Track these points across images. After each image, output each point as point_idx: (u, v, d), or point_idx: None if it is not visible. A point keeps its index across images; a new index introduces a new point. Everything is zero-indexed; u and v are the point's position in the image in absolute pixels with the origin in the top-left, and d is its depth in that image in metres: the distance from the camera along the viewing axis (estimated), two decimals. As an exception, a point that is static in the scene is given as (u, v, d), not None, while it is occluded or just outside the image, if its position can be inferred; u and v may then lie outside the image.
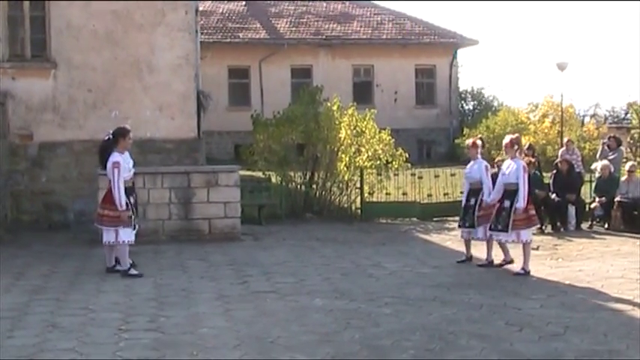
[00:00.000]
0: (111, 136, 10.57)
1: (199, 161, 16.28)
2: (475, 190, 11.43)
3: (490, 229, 11.02)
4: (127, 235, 10.45)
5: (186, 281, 10.12)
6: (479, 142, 11.66)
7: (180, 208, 13.89)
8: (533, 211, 10.98)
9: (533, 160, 16.58)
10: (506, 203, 10.75)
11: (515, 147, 11.06)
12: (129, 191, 10.52)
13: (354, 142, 17.98)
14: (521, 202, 10.57)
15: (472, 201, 11.42)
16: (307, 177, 18.02)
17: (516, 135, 11.94)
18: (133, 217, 10.50)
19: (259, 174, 18.40)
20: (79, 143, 15.78)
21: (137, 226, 10.79)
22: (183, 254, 12.29)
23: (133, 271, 10.43)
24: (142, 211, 13.68)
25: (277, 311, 8.41)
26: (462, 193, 12.99)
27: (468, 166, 11.73)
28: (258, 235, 14.48)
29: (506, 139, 11.22)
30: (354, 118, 18.04)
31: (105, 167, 10.54)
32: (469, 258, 11.61)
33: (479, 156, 11.59)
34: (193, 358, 6.66)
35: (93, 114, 15.85)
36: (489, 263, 11.30)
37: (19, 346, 6.99)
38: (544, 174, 17.32)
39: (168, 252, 12.26)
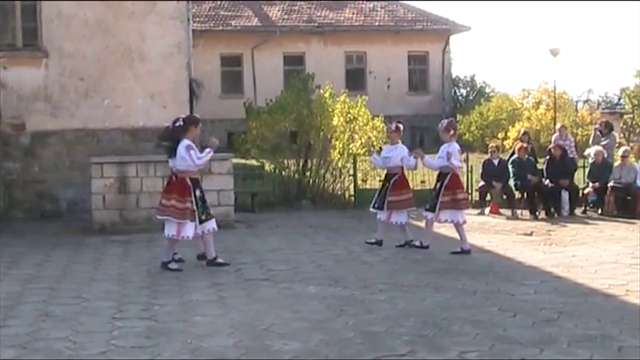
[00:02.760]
0: (181, 123, 10.13)
1: (192, 149, 16.20)
2: (391, 175, 11.64)
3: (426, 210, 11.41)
4: (189, 230, 9.93)
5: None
6: (401, 127, 11.86)
7: (173, 197, 13.80)
8: (461, 195, 11.40)
9: (526, 145, 16.62)
10: (438, 185, 11.21)
11: (451, 132, 11.33)
12: (195, 184, 10.14)
13: (347, 129, 17.96)
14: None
15: (386, 185, 11.63)
16: (300, 164, 17.99)
17: (451, 119, 12.32)
18: (197, 211, 9.97)
19: (252, 162, 18.37)
20: (70, 132, 15.73)
21: (210, 217, 10.21)
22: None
23: (173, 265, 10.05)
24: (135, 200, 13.72)
25: (271, 298, 8.41)
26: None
27: (387, 149, 11.85)
28: (251, 223, 14.47)
29: (445, 123, 11.46)
30: (346, 105, 18.02)
31: (171, 156, 10.17)
32: (380, 242, 11.83)
33: (399, 140, 11.78)
34: (187, 345, 6.65)
35: (85, 103, 15.78)
36: (406, 243, 11.64)
37: (12, 335, 6.96)
38: (538, 159, 17.35)
39: (161, 240, 12.15)
